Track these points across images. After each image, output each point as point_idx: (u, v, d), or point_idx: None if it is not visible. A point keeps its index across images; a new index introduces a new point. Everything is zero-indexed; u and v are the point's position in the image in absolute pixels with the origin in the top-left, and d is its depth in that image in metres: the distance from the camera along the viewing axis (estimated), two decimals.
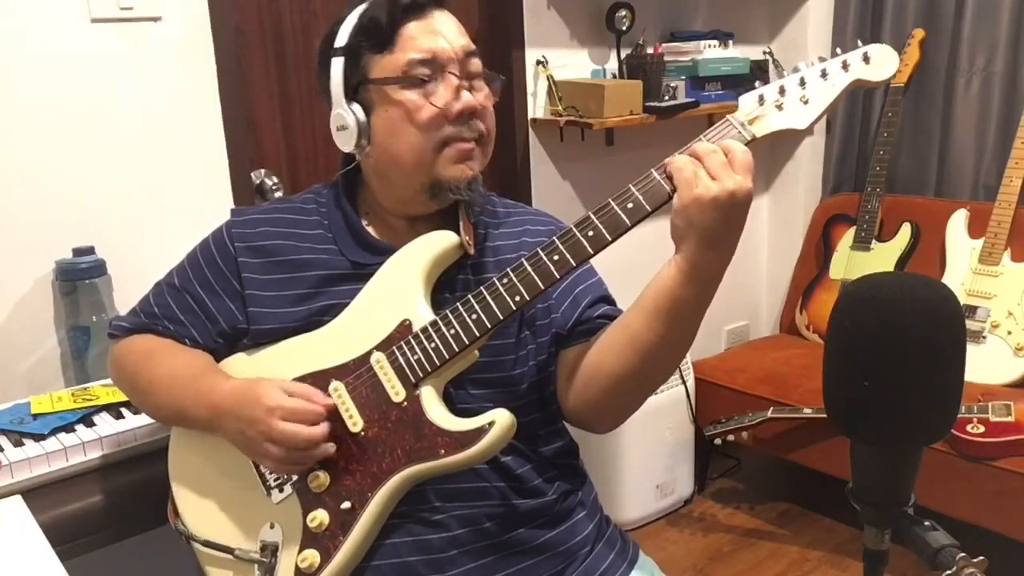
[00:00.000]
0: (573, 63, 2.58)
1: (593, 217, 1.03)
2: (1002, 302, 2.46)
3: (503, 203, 1.30)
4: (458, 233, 1.14)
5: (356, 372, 1.11)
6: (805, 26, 3.02)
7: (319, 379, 1.12)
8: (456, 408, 1.09)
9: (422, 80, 1.12)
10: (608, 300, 1.22)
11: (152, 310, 1.25)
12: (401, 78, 1.12)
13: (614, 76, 2.62)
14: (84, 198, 1.81)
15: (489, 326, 1.06)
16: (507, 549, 1.13)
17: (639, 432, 2.55)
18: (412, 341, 1.08)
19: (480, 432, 1.03)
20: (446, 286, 1.16)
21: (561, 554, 1.17)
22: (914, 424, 0.85)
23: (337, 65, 1.15)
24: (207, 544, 1.16)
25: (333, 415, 1.09)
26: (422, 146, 1.12)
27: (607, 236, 1.03)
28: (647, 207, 1.03)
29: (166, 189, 1.91)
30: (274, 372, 1.14)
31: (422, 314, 1.10)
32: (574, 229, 1.04)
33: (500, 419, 1.03)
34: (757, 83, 1.07)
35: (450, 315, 1.07)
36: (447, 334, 1.07)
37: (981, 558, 0.79)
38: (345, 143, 1.16)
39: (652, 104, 2.51)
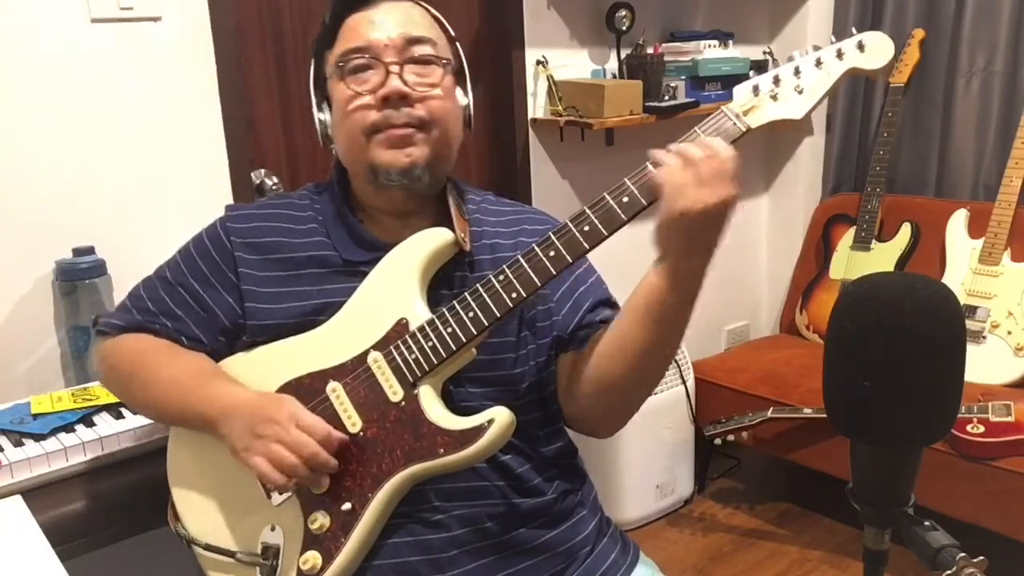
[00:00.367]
0: (573, 63, 2.58)
1: (588, 211, 1.03)
2: (1002, 302, 2.46)
3: (500, 201, 1.29)
4: (452, 230, 1.14)
5: (354, 372, 1.10)
6: (805, 26, 3.02)
7: (317, 379, 1.11)
8: (456, 406, 1.08)
9: (354, 69, 1.13)
10: (609, 303, 1.22)
11: (146, 306, 1.22)
12: (336, 70, 1.14)
13: (614, 76, 2.62)
14: (84, 198, 1.81)
15: (486, 324, 1.05)
16: (508, 549, 1.13)
17: (639, 432, 2.55)
18: (409, 340, 1.08)
19: (479, 430, 1.03)
20: (443, 283, 1.15)
21: (562, 554, 1.17)
22: (914, 424, 0.85)
23: (313, 63, 1.20)
24: (208, 548, 1.15)
25: (341, 446, 1.08)
26: (353, 132, 1.13)
27: (603, 230, 1.02)
28: (642, 201, 1.02)
29: (166, 189, 1.91)
30: (271, 372, 1.14)
31: (419, 312, 1.09)
32: (569, 224, 1.04)
33: (499, 417, 1.03)
34: (751, 73, 1.06)
35: (447, 313, 1.07)
36: (444, 332, 1.06)
37: (981, 558, 0.79)
38: (321, 142, 1.20)
39: (652, 104, 2.51)
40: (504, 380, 1.15)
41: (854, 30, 1.06)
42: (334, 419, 1.09)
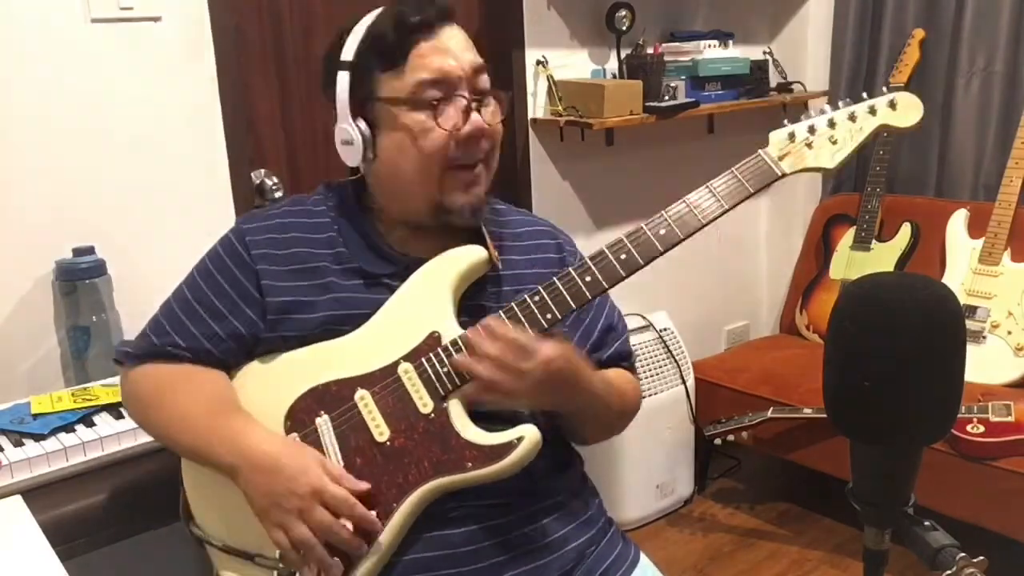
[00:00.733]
0: (573, 63, 2.58)
1: (626, 241, 1.07)
2: (1002, 302, 2.46)
3: (510, 210, 1.31)
4: (485, 247, 1.15)
5: (383, 382, 1.10)
6: (805, 26, 3.02)
7: (344, 387, 1.11)
8: (475, 412, 1.09)
9: (431, 102, 1.10)
10: (612, 328, 1.26)
11: (163, 328, 1.19)
12: (409, 99, 1.11)
13: (614, 76, 2.62)
14: (84, 198, 1.81)
15: None
16: (521, 546, 1.13)
17: (639, 432, 2.55)
18: (441, 353, 1.09)
19: (509, 447, 1.05)
20: (468, 297, 1.16)
21: (571, 552, 1.17)
22: (914, 424, 0.85)
23: (343, 79, 1.14)
24: (227, 549, 1.14)
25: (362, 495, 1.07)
26: (428, 168, 1.12)
27: (640, 260, 1.07)
28: (679, 234, 1.07)
29: (166, 189, 1.91)
30: (297, 377, 1.13)
31: (450, 327, 1.11)
32: (607, 251, 1.08)
33: (528, 434, 1.05)
34: (785, 121, 1.11)
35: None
36: None
37: (981, 558, 0.79)
38: (350, 158, 1.16)
39: (652, 104, 2.51)
40: None
41: (885, 89, 1.12)
42: (361, 427, 1.09)
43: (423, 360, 1.10)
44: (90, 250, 1.78)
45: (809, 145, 1.09)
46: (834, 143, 1.09)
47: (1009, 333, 2.43)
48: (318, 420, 1.11)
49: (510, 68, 2.45)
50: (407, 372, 1.10)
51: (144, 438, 1.42)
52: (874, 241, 2.79)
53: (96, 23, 1.78)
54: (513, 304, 1.09)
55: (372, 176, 1.19)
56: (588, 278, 1.07)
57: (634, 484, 2.63)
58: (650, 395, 2.58)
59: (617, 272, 1.07)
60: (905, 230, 2.74)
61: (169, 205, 1.91)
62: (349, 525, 1.04)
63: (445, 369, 1.08)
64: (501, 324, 1.06)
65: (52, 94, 1.75)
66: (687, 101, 2.58)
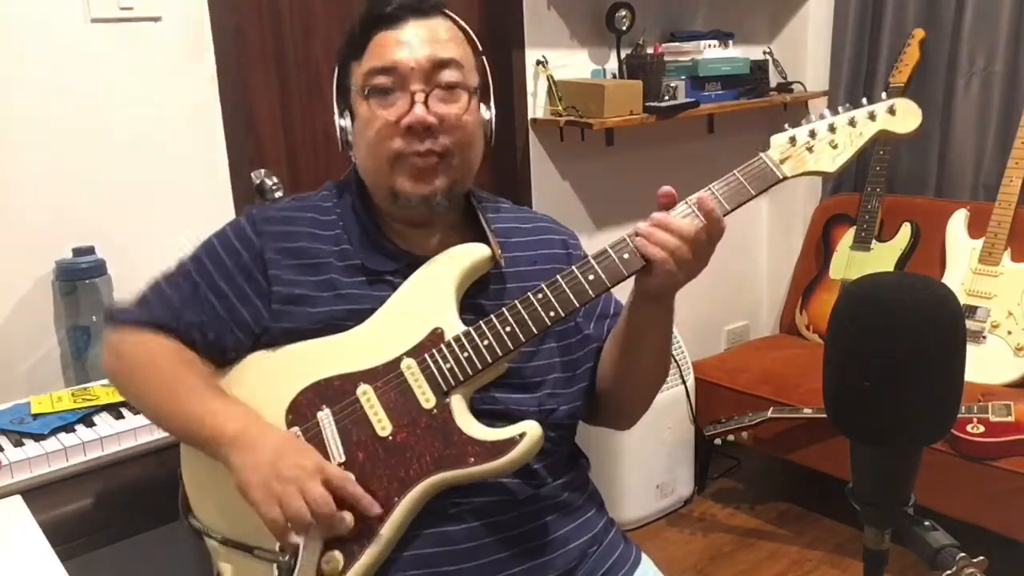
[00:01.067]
0: (573, 63, 2.58)
1: (628, 240, 1.08)
2: (1002, 302, 2.46)
3: (514, 209, 1.31)
4: (489, 245, 1.16)
5: (385, 377, 1.10)
6: (805, 26, 3.02)
7: (347, 381, 1.11)
8: (478, 409, 1.10)
9: (382, 91, 1.12)
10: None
11: (166, 302, 1.16)
12: (362, 88, 1.14)
13: (614, 76, 2.62)
14: (84, 198, 1.81)
15: (523, 339, 1.08)
16: (522, 544, 1.13)
17: (639, 432, 2.54)
18: (444, 349, 1.09)
19: (511, 443, 1.05)
20: (471, 294, 1.17)
21: (573, 550, 1.17)
22: (914, 424, 0.85)
23: (337, 70, 1.20)
24: (225, 541, 1.14)
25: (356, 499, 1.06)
26: (376, 157, 1.14)
27: (642, 259, 1.07)
28: None
29: (166, 189, 1.91)
30: (298, 371, 1.13)
31: (453, 324, 1.11)
32: (609, 250, 1.08)
33: (531, 431, 1.05)
34: (786, 125, 1.13)
35: (484, 326, 1.09)
36: (480, 345, 1.08)
37: (981, 558, 0.79)
38: (341, 147, 1.21)
39: (652, 104, 2.51)
40: (527, 387, 1.16)
41: (884, 95, 1.12)
42: (363, 421, 1.09)
43: (426, 356, 1.10)
44: (90, 250, 1.78)
45: (810, 149, 1.10)
46: (834, 147, 1.10)
47: (1009, 333, 2.43)
48: (320, 414, 1.11)
49: (510, 68, 2.45)
50: (410, 368, 1.10)
51: (144, 438, 1.43)
52: (874, 241, 2.79)
53: (96, 23, 1.79)
54: (516, 302, 1.09)
55: (358, 166, 1.22)
56: (591, 276, 1.08)
57: (634, 484, 2.63)
58: None
59: (620, 271, 1.07)
60: (905, 230, 2.74)
61: (169, 205, 1.91)
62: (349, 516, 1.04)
63: (448, 365, 1.08)
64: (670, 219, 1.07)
65: (52, 94, 1.76)
66: (687, 101, 2.58)
